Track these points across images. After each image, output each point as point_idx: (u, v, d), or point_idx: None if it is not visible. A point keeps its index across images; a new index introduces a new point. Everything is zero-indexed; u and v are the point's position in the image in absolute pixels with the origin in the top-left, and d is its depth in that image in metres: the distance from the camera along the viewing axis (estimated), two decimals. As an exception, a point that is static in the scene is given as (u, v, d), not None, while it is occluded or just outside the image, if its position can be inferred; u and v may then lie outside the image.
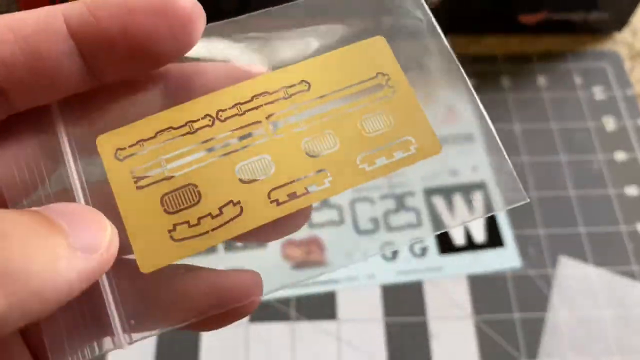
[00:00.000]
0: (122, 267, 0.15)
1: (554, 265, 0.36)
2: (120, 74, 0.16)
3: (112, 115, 0.16)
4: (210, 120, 0.16)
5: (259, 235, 0.16)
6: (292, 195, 0.15)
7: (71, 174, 0.15)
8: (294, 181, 0.15)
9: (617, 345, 0.33)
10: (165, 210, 0.15)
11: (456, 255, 0.36)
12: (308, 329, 0.33)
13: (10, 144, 0.16)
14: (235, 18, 0.17)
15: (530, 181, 0.39)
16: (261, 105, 0.16)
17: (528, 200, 0.16)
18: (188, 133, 0.16)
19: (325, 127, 0.16)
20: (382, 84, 0.16)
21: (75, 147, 0.16)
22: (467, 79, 0.17)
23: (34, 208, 0.13)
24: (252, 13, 0.17)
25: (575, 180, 0.39)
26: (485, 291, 0.35)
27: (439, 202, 0.37)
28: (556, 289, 0.35)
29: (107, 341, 0.15)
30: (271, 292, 0.16)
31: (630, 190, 0.39)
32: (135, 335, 0.15)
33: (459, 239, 0.37)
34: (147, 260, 0.15)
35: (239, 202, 0.15)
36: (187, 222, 0.15)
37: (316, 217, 0.36)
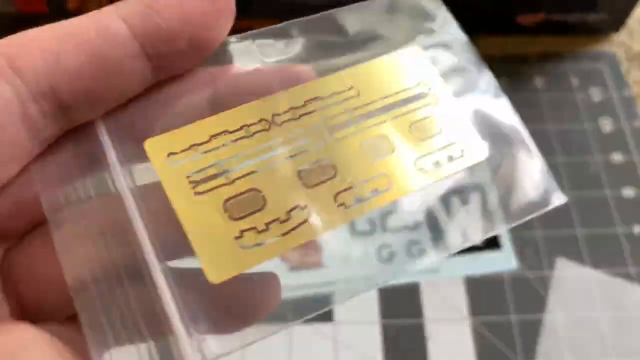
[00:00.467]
0: (185, 277, 0.14)
1: (551, 267, 0.36)
2: (177, 69, 0.15)
3: (159, 119, 0.16)
4: (266, 124, 0.16)
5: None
6: (359, 199, 0.15)
7: (117, 178, 0.15)
8: (356, 185, 0.15)
9: (614, 346, 0.34)
10: (229, 217, 0.14)
11: (453, 257, 0.36)
12: (304, 332, 0.33)
13: (50, 151, 0.15)
14: (278, 25, 0.17)
15: (527, 183, 0.39)
16: (315, 110, 0.16)
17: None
18: (244, 137, 0.15)
19: (379, 132, 0.16)
20: (425, 92, 0.17)
21: (120, 151, 0.15)
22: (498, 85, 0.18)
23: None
24: (294, 21, 0.17)
25: (571, 181, 0.39)
26: (482, 293, 0.35)
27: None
28: (553, 291, 0.35)
29: None
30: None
31: (627, 192, 0.39)
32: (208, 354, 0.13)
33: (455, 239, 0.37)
34: (216, 270, 0.14)
35: (306, 206, 0.15)
36: (255, 227, 0.14)
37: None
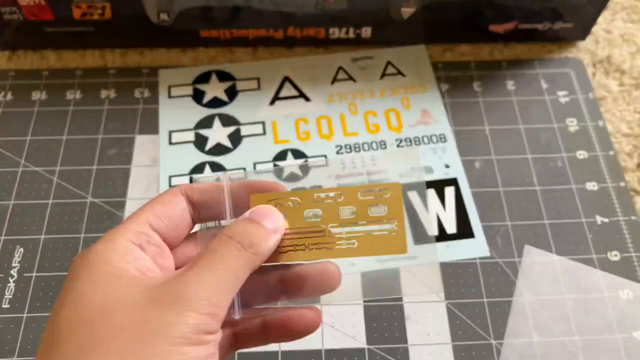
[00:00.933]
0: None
1: (520, 254, 0.39)
2: None
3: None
4: None
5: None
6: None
7: None
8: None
9: (577, 326, 0.36)
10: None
11: (430, 244, 0.39)
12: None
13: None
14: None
15: (499, 177, 0.42)
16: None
17: None
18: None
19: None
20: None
21: None
22: None
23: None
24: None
25: (540, 176, 0.42)
26: (456, 278, 0.38)
27: (414, 196, 0.40)
28: (522, 276, 0.38)
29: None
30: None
31: (590, 186, 0.42)
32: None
33: (432, 230, 0.39)
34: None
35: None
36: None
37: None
